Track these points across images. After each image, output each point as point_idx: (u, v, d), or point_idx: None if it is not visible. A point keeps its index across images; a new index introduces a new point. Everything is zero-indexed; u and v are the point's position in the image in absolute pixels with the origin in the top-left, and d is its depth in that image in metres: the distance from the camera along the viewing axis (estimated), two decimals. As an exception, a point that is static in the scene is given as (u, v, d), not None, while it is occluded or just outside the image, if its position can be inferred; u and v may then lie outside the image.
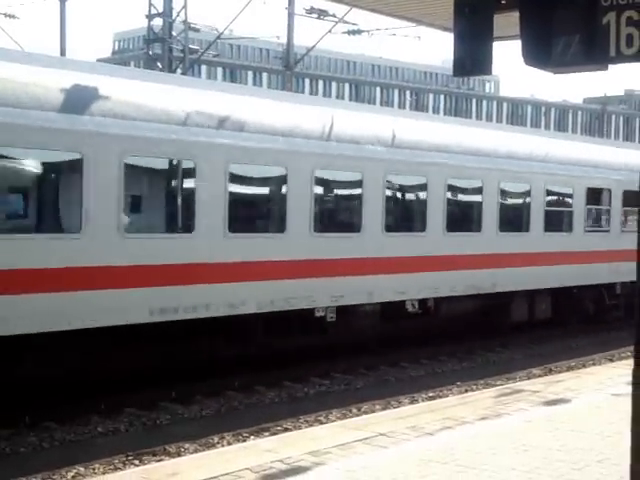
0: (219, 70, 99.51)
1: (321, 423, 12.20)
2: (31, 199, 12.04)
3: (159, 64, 35.46)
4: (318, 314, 15.27)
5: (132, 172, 12.47)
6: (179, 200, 13.44)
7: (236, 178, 13.82)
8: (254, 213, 14.92)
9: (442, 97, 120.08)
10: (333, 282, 15.38)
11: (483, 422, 10.45)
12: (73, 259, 11.69)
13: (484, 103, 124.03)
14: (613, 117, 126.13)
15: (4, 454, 10.70)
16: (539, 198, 20.17)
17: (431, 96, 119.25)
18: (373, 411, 12.86)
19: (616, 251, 22.13)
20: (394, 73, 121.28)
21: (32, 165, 11.71)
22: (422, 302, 17.36)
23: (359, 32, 37.18)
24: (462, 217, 18.48)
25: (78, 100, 11.92)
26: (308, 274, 14.92)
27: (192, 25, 38.11)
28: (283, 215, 14.53)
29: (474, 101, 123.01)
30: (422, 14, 10.83)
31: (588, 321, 22.48)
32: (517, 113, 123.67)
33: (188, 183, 13.41)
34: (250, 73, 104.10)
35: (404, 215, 17.43)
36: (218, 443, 11.25)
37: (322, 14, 34.58)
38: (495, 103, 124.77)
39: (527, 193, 19.95)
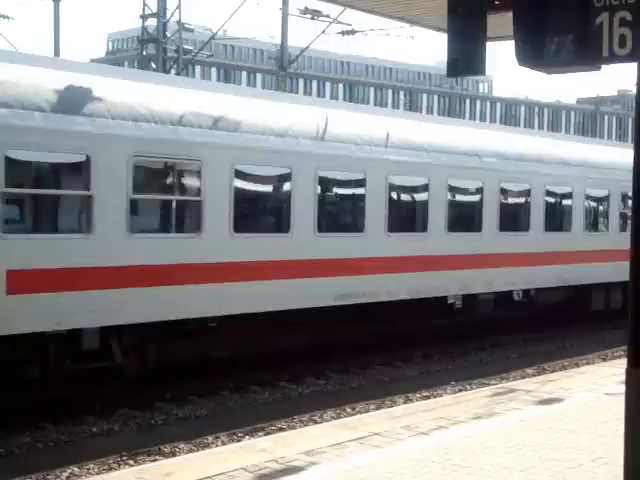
0: (213, 70, 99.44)
1: (316, 423, 12.20)
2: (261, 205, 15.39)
3: (153, 64, 35.44)
4: (450, 301, 18.43)
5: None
6: (351, 204, 16.74)
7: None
8: (406, 214, 17.89)
9: (436, 97, 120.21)
10: (462, 274, 18.35)
11: (477, 421, 10.48)
12: (281, 254, 14.69)
13: (478, 103, 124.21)
14: (606, 117, 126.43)
15: (-2, 454, 10.70)
16: (615, 202, 23.51)
17: (425, 96, 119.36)
18: (367, 411, 12.85)
19: None
20: (388, 73, 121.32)
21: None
22: (525, 292, 21.02)
23: (353, 32, 37.17)
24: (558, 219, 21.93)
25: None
26: (445, 268, 17.91)
27: (186, 25, 38.13)
28: (426, 217, 17.63)
29: (468, 101, 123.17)
30: (416, 14, 10.84)
31: None
32: (510, 113, 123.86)
33: (359, 191, 16.44)
34: (244, 73, 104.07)
35: (514, 216, 20.49)
36: (213, 443, 11.24)
37: (316, 14, 34.58)
38: (489, 103, 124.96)
39: (606, 198, 23.38)
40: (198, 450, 10.61)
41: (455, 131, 19.52)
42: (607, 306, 23.28)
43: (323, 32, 34.73)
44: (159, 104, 13.18)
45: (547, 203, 21.04)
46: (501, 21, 7.70)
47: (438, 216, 17.84)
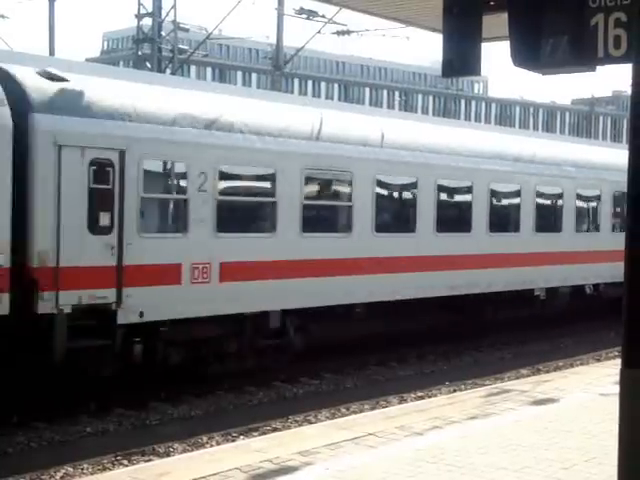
0: (208, 70, 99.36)
1: (310, 423, 12.20)
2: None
3: (148, 64, 35.42)
4: (536, 293, 21.26)
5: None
6: (459, 208, 19.29)
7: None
8: (504, 217, 20.68)
9: (431, 98, 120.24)
10: (544, 270, 21.14)
11: (472, 422, 10.48)
12: (409, 251, 17.53)
13: (473, 104, 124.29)
14: (601, 118, 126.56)
15: (-8, 454, 10.68)
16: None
17: (420, 97, 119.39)
18: (362, 411, 12.85)
19: None
20: (383, 74, 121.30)
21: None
22: (595, 286, 23.65)
23: (348, 33, 37.22)
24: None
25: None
26: (533, 264, 20.70)
27: (181, 25, 38.08)
28: (517, 218, 20.61)
29: (463, 102, 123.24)
30: (411, 15, 10.86)
31: None
32: (505, 114, 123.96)
33: (466, 197, 19.38)
34: (239, 73, 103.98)
35: (587, 219, 23.43)
36: (207, 443, 11.23)
37: (311, 15, 34.63)
38: (484, 104, 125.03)
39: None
40: (193, 450, 10.60)
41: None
42: None
43: (318, 32, 34.83)
44: (325, 128, 16.15)
45: (615, 206, 23.87)
46: (496, 22, 7.72)
47: (528, 219, 20.90)
